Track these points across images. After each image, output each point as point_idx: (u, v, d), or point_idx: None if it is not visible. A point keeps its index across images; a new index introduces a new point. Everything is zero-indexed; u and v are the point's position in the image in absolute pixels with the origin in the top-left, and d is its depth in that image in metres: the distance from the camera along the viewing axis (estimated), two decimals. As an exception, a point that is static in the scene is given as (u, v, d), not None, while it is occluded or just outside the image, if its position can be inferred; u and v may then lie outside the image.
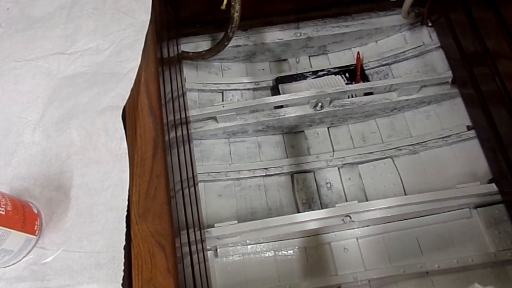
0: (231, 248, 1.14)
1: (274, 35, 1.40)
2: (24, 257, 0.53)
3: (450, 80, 1.23)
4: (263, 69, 1.48)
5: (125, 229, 0.53)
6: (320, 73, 1.42)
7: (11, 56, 0.72)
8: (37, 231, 0.53)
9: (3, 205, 0.48)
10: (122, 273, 0.50)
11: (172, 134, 0.75)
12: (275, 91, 1.42)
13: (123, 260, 0.51)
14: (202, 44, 1.38)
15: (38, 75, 0.69)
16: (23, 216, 0.51)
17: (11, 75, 0.70)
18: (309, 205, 1.22)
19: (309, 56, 1.51)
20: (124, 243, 0.52)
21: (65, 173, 0.58)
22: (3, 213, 0.47)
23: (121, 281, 0.50)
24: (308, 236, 1.14)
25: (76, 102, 0.65)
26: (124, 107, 0.63)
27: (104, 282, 0.50)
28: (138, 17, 0.74)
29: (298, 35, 1.39)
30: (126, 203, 0.55)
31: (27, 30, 0.75)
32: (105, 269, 0.51)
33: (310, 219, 1.08)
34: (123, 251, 0.52)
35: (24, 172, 0.59)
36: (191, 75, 1.40)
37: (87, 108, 0.64)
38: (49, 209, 0.56)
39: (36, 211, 0.54)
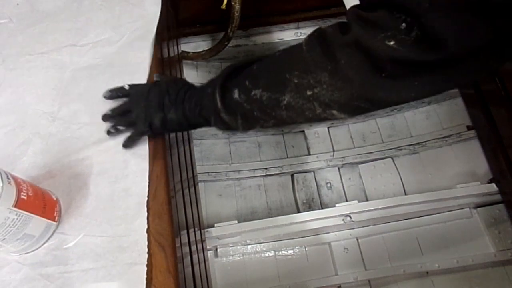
0: (231, 248, 1.14)
1: (274, 35, 1.40)
2: (44, 243, 0.53)
3: (450, 80, 1.24)
4: (263, 69, 1.48)
5: (146, 214, 0.54)
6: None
7: (23, 50, 0.73)
8: (56, 217, 0.54)
9: (25, 190, 0.48)
10: (146, 255, 0.51)
11: (172, 134, 0.75)
12: (275, 91, 1.42)
13: (146, 243, 0.52)
14: (202, 44, 1.38)
15: (51, 68, 0.70)
16: (43, 202, 0.51)
17: (25, 68, 0.71)
18: (309, 205, 1.22)
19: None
20: (146, 226, 0.53)
21: (83, 161, 0.59)
22: (25, 198, 0.47)
23: (146, 262, 0.50)
24: (308, 236, 1.14)
25: (92, 94, 0.66)
26: None
27: (128, 264, 0.51)
28: (148, 9, 0.75)
29: (298, 35, 1.39)
30: (147, 189, 0.55)
31: (38, 24, 0.76)
32: (128, 252, 0.51)
33: (310, 219, 1.08)
34: (145, 234, 0.52)
35: (40, 161, 0.60)
36: (191, 75, 1.40)
37: (104, 100, 0.64)
38: (67, 196, 0.56)
39: (55, 198, 0.55)
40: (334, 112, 0.43)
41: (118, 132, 0.58)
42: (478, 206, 1.13)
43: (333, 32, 0.41)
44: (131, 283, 0.49)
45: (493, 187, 1.10)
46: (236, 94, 0.48)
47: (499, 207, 1.12)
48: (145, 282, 0.49)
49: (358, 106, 0.42)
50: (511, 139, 1.03)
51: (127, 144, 0.58)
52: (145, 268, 0.50)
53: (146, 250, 0.51)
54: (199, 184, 1.22)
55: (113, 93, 0.59)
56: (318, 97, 0.42)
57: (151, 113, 0.54)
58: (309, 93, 0.42)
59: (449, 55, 0.34)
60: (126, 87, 0.59)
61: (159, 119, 0.54)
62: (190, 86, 0.57)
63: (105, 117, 0.59)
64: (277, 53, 0.48)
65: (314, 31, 0.44)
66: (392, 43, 0.36)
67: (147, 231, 0.52)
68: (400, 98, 0.40)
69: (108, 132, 0.59)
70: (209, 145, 1.33)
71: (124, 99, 0.59)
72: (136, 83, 0.60)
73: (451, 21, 0.33)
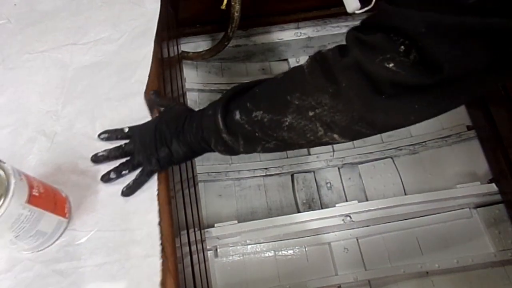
0: (231, 248, 1.14)
1: (274, 35, 1.39)
2: (56, 240, 0.53)
3: (450, 80, 1.24)
4: (263, 69, 1.48)
5: (157, 207, 0.54)
6: (320, 73, 1.42)
7: (23, 49, 0.73)
8: (67, 214, 0.54)
9: (36, 187, 0.48)
10: (160, 247, 0.51)
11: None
12: (275, 91, 1.42)
13: (158, 235, 0.52)
14: (202, 44, 1.38)
15: (52, 66, 0.70)
16: (54, 199, 0.51)
17: (25, 67, 0.71)
18: (309, 205, 1.22)
19: (309, 56, 1.50)
20: (158, 219, 0.53)
21: (89, 158, 0.59)
22: (37, 194, 0.47)
23: (160, 254, 0.51)
24: (308, 236, 1.14)
25: (96, 92, 0.66)
26: None
27: (142, 257, 0.51)
28: (148, 6, 0.75)
29: (298, 35, 1.38)
30: (157, 183, 0.56)
31: (37, 24, 0.76)
32: (141, 245, 0.52)
33: (310, 219, 1.08)
34: (158, 227, 0.52)
35: (47, 159, 0.60)
36: (191, 75, 1.40)
37: (109, 97, 0.65)
38: (77, 193, 0.56)
39: (64, 195, 0.55)
40: (335, 136, 0.44)
41: (120, 177, 0.55)
42: (478, 206, 1.13)
43: (333, 56, 0.42)
44: (146, 275, 0.50)
45: (493, 187, 1.10)
46: (237, 116, 0.49)
47: (499, 207, 1.12)
48: (160, 273, 0.49)
49: (359, 131, 0.42)
50: (511, 139, 1.03)
51: (131, 190, 0.54)
52: (160, 260, 0.50)
53: (159, 242, 0.51)
54: (199, 184, 1.22)
55: (111, 135, 0.58)
56: (320, 118, 0.43)
57: (157, 150, 0.54)
58: (311, 114, 0.43)
59: (445, 78, 0.35)
60: (126, 129, 0.58)
61: (165, 153, 0.54)
62: (189, 112, 0.57)
63: (99, 159, 0.56)
64: (279, 76, 0.49)
65: (315, 54, 0.45)
66: (391, 65, 0.36)
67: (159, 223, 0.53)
68: (400, 121, 0.40)
69: (106, 179, 0.55)
70: (209, 145, 1.32)
71: (124, 141, 0.57)
72: (134, 125, 0.58)
73: (447, 46, 0.34)
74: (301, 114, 0.44)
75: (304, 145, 0.47)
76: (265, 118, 0.46)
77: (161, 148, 0.54)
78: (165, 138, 0.54)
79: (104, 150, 0.57)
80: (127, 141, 0.57)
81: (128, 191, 0.54)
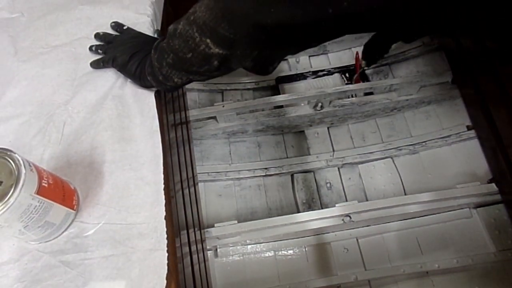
0: (231, 248, 1.14)
1: (274, 35, 1.39)
2: (64, 231, 0.53)
3: (450, 80, 1.24)
4: (263, 69, 1.48)
5: (164, 201, 0.55)
6: (320, 73, 1.42)
7: (37, 42, 0.74)
8: (75, 206, 0.54)
9: (45, 178, 0.48)
10: (166, 241, 0.52)
11: (172, 134, 0.75)
12: (275, 91, 1.42)
13: (165, 229, 0.53)
14: (202, 44, 1.38)
15: (65, 60, 0.71)
16: (62, 190, 0.52)
17: (39, 60, 0.72)
18: (309, 205, 1.22)
19: (309, 56, 1.51)
20: (164, 213, 0.54)
21: (96, 149, 0.60)
22: (46, 185, 0.48)
23: (166, 248, 0.51)
24: (308, 236, 1.14)
25: (107, 85, 0.67)
26: None
27: (148, 250, 0.51)
28: None
29: (298, 35, 1.38)
30: (162, 175, 0.57)
31: (48, 15, 0.78)
32: (147, 238, 0.52)
33: (310, 219, 1.08)
34: (164, 221, 0.53)
35: (56, 151, 0.61)
36: (191, 75, 1.40)
37: (120, 92, 0.66)
38: (84, 185, 0.57)
39: (72, 187, 0.55)
40: (208, 41, 0.48)
41: (95, 52, 0.71)
42: (478, 206, 1.13)
43: None
44: (152, 269, 0.50)
45: (493, 187, 1.09)
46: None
47: (499, 207, 1.12)
48: (166, 267, 0.50)
49: (224, 36, 0.46)
50: (511, 139, 1.03)
51: (92, 64, 0.69)
52: (166, 254, 0.51)
53: (165, 236, 0.52)
54: (199, 184, 1.22)
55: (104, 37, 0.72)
56: (195, 20, 0.48)
57: (120, 55, 0.65)
58: (192, 18, 0.49)
59: None
60: (114, 35, 0.72)
61: (121, 60, 0.65)
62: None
63: (97, 35, 0.73)
64: None
65: None
66: None
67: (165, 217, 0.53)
68: (260, 16, 0.44)
69: (90, 48, 0.71)
70: (209, 145, 1.33)
71: (115, 36, 0.71)
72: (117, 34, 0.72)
73: None
74: (187, 19, 0.50)
75: (193, 60, 0.52)
76: (171, 29, 0.53)
77: (122, 56, 0.64)
78: (130, 58, 0.63)
79: (103, 33, 0.72)
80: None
81: (92, 63, 0.69)
